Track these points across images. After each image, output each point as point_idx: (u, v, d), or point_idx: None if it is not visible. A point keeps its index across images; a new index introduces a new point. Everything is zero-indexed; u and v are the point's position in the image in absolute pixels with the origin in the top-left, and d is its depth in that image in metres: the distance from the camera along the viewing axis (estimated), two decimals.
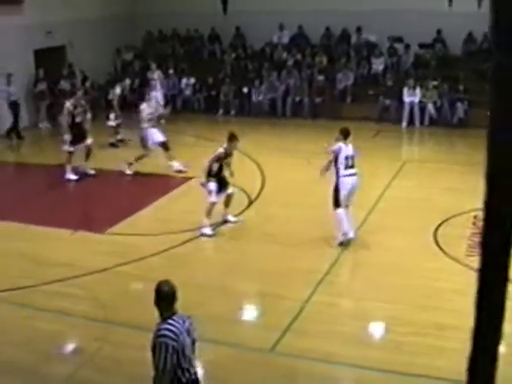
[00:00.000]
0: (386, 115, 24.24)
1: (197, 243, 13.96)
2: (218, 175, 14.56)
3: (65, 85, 25.83)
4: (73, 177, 18.58)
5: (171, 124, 20.51)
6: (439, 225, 14.37)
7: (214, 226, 14.68)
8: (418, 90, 23.88)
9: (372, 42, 26.84)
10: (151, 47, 30.33)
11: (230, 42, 29.05)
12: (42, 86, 25.20)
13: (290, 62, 26.67)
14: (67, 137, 18.36)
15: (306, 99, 25.38)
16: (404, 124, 23.82)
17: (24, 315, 11.18)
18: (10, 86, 23.51)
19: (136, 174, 18.60)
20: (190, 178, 17.95)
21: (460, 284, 11.19)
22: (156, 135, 18.58)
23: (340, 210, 13.33)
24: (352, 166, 13.27)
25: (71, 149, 18.47)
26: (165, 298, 6.65)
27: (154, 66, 26.33)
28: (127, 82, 24.69)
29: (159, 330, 6.58)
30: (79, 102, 18.64)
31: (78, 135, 18.48)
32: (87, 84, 26.68)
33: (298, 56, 27.11)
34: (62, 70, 26.37)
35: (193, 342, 6.86)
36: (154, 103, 19.12)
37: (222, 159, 14.50)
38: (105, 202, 17.22)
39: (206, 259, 13.28)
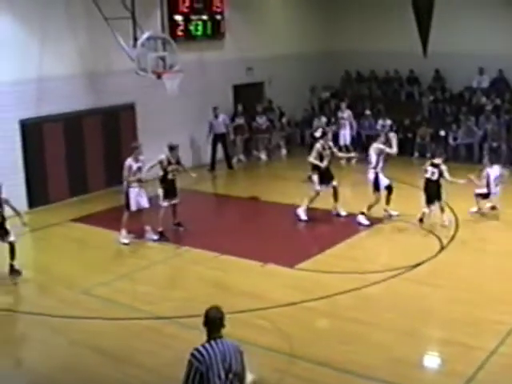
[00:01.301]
0: None
1: (386, 285, 13.76)
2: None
3: (260, 120, 26.41)
4: (304, 217, 18.20)
5: (364, 165, 20.41)
6: None
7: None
8: None
9: None
10: (349, 87, 30.54)
11: (429, 85, 28.78)
12: (241, 121, 25.85)
13: (489, 107, 26.07)
14: (315, 177, 18.16)
15: (503, 145, 24.68)
16: None
17: None
18: (217, 118, 24.28)
19: (329, 211, 18.62)
20: (381, 220, 17.86)
21: None
22: (383, 179, 18.04)
23: None
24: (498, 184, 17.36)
25: (320, 188, 18.16)
26: (210, 322, 7.13)
27: (343, 105, 26.25)
28: (323, 120, 24.91)
29: (193, 348, 7.03)
30: (327, 144, 18.42)
31: (326, 175, 18.24)
32: (284, 120, 27.21)
33: (498, 101, 26.49)
34: (258, 106, 26.85)
35: (231, 372, 7.04)
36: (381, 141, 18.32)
37: None
38: (296, 237, 17.41)
39: (395, 302, 13.04)
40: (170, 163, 16.62)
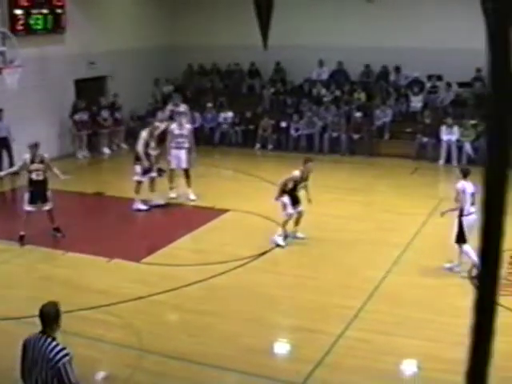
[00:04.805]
0: (424, 153, 24.15)
1: (232, 275, 13.96)
2: (290, 192, 15.61)
3: (105, 115, 26.18)
4: (142, 207, 18.42)
5: (208, 157, 20.60)
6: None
7: (285, 238, 15.61)
8: (455, 129, 23.70)
9: (411, 80, 26.82)
10: (191, 80, 30.66)
11: (270, 77, 29.26)
12: (83, 116, 25.50)
13: (329, 98, 26.75)
14: (139, 168, 18.26)
15: (343, 135, 25.39)
16: (441, 162, 23.67)
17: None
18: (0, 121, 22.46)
19: (173, 204, 18.71)
20: (227, 210, 18.08)
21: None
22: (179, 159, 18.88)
23: (467, 245, 13.54)
24: (474, 203, 13.51)
25: (143, 179, 18.38)
26: (43, 316, 7.17)
27: (178, 99, 25.45)
28: (167, 113, 24.83)
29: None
30: (154, 133, 18.67)
31: (150, 165, 18.42)
32: (118, 114, 26.81)
33: (337, 92, 27.20)
34: (102, 100, 26.64)
35: (39, 375, 7.12)
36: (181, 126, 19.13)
37: (298, 182, 15.62)
38: (141, 231, 17.38)
39: (242, 291, 13.26)
40: (33, 162, 16.02)
